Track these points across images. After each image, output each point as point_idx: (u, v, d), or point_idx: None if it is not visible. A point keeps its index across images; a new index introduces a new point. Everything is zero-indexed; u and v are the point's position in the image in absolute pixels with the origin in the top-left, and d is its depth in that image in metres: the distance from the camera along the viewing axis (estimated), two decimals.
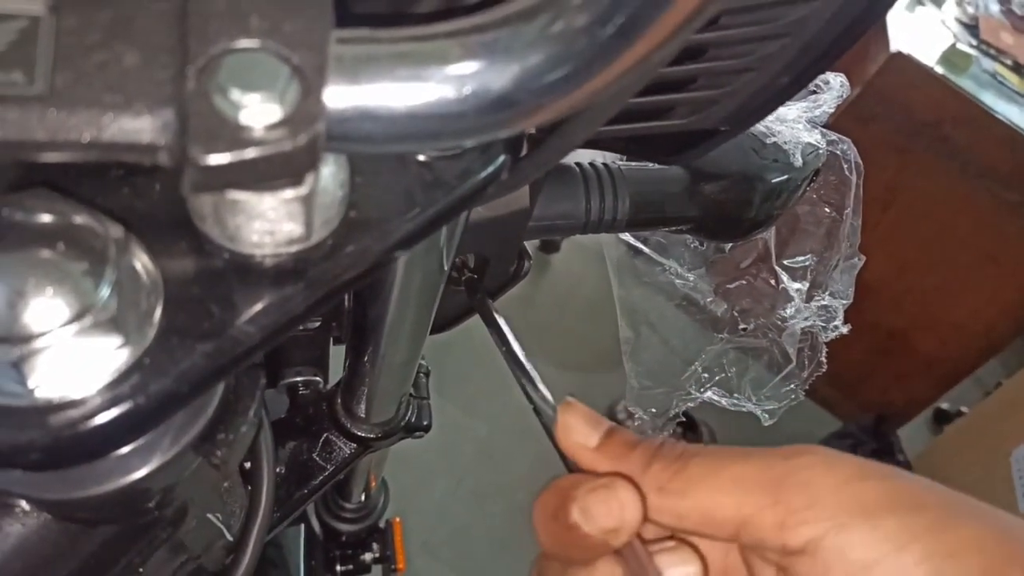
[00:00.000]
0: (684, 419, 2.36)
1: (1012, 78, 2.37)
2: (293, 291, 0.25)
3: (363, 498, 0.76)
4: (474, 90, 0.21)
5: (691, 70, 0.35)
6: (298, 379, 0.57)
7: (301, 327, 0.41)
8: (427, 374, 0.60)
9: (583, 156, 0.49)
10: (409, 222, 0.28)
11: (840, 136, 0.51)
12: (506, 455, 2.18)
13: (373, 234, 0.27)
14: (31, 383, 0.22)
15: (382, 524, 0.81)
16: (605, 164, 0.48)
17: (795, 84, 0.35)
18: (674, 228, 0.50)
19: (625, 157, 0.49)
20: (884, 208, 2.33)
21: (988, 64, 2.37)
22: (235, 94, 0.19)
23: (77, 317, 0.21)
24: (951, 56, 2.24)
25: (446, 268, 0.40)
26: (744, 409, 0.63)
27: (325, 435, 0.54)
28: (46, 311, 0.21)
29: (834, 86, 0.50)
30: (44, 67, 0.19)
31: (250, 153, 0.19)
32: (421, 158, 0.29)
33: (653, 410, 0.72)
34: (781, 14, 0.32)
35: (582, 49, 0.21)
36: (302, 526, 0.80)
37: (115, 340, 0.22)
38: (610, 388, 2.23)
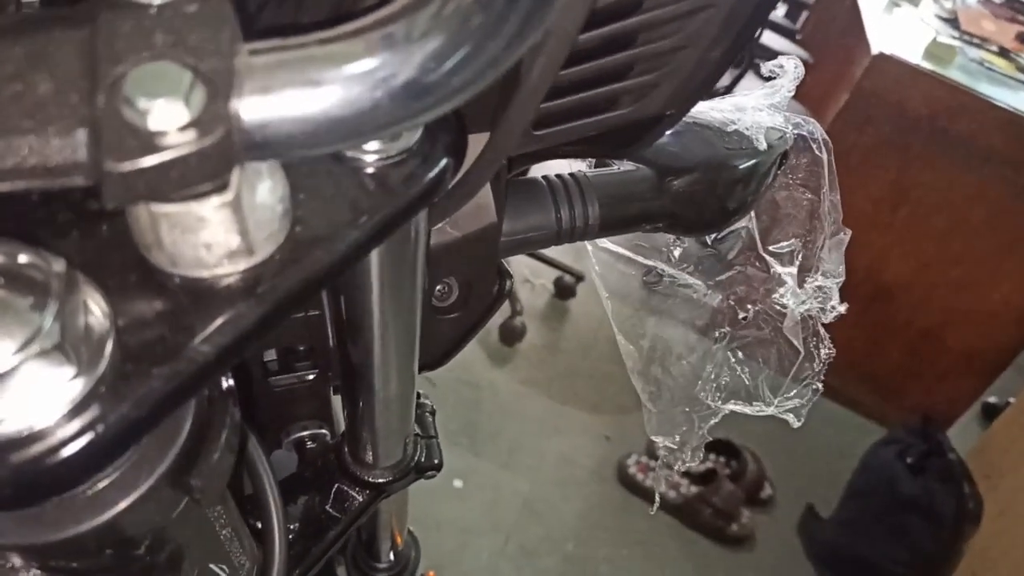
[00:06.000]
0: (724, 445, 2.32)
1: (1000, 63, 2.38)
2: (245, 308, 0.26)
3: (392, 556, 0.75)
4: (383, 82, 0.22)
5: (627, 56, 0.35)
6: (304, 434, 0.57)
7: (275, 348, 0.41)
8: (432, 413, 0.60)
9: (549, 169, 0.50)
10: (357, 230, 0.28)
11: (805, 117, 0.52)
12: (551, 507, 2.15)
13: (321, 246, 0.27)
14: None
15: None
16: (571, 173, 0.49)
17: (727, 56, 0.35)
18: (650, 228, 0.50)
19: (593, 164, 0.49)
20: (894, 208, 2.32)
21: (974, 53, 2.38)
22: (142, 103, 0.20)
23: (22, 348, 0.21)
24: (934, 50, 2.25)
25: (419, 293, 0.40)
26: (767, 414, 0.62)
27: (336, 485, 0.54)
28: None
29: (789, 69, 0.51)
30: None
31: (162, 156, 0.20)
32: (369, 170, 0.29)
33: (677, 437, 0.70)
34: None
35: (477, 26, 0.22)
36: None
37: (67, 371, 0.23)
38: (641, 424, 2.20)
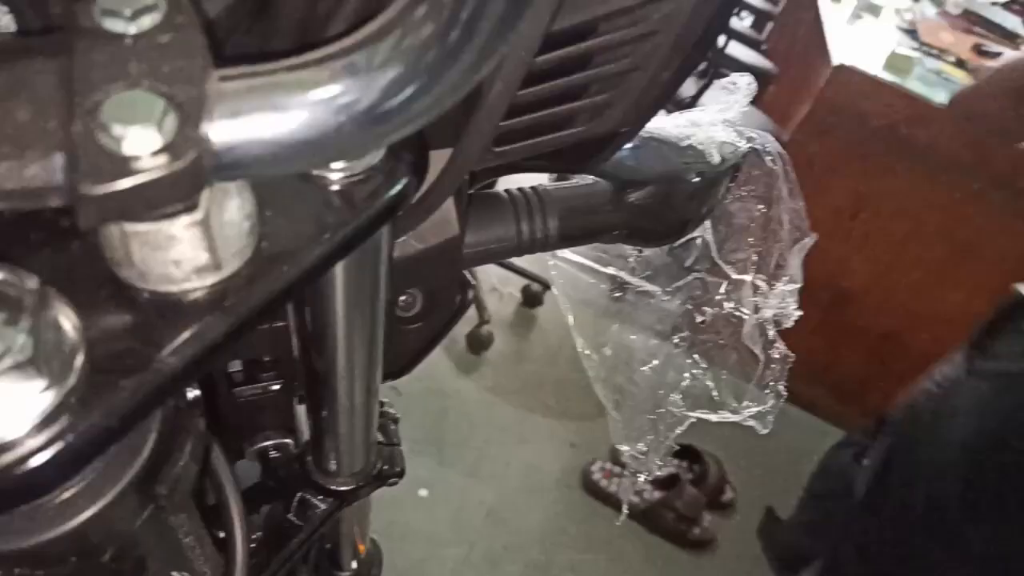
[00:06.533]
0: (686, 450, 2.34)
1: (956, 73, 2.44)
2: (212, 321, 0.26)
3: (355, 565, 0.76)
4: (345, 108, 0.23)
5: (582, 77, 0.37)
6: (267, 443, 0.57)
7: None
8: (396, 421, 0.60)
9: (511, 183, 0.51)
10: (321, 246, 0.29)
11: (759, 132, 0.53)
12: (516, 515, 2.16)
13: (287, 260, 0.28)
14: None
15: None
16: (532, 187, 0.50)
17: (677, 77, 0.37)
18: (608, 238, 0.52)
19: (553, 177, 0.51)
20: (853, 215, 2.37)
21: (932, 64, 2.44)
22: (116, 129, 0.21)
23: None
24: (894, 61, 2.31)
25: (382, 303, 0.41)
26: (732, 420, 0.64)
27: (299, 494, 0.55)
28: None
29: (741, 86, 0.53)
30: None
31: (135, 180, 0.21)
32: (334, 187, 0.31)
33: (642, 445, 0.72)
34: (650, 12, 0.34)
35: (434, 56, 0.23)
36: None
37: (38, 384, 0.23)
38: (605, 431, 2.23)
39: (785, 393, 0.64)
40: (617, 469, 2.28)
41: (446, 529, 2.08)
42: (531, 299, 2.76)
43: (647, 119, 0.40)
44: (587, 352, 0.62)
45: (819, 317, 2.46)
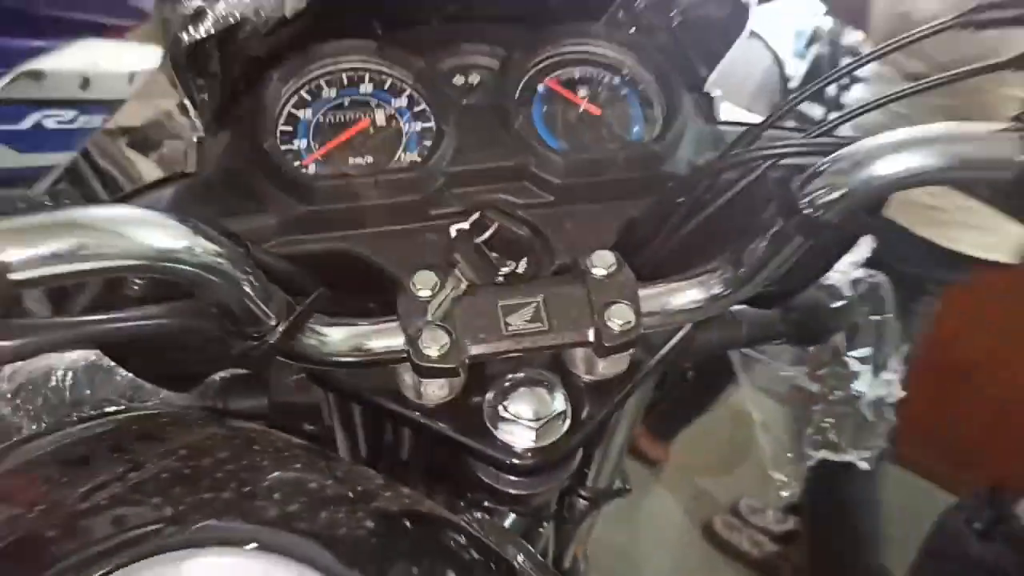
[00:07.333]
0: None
1: None
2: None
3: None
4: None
5: None
6: None
7: None
8: None
9: None
10: None
11: (875, 272, 0.82)
12: (645, 558, 2.40)
13: None
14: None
15: None
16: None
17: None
18: (777, 341, 0.81)
19: None
20: (967, 290, 2.54)
21: None
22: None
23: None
24: None
25: None
26: (847, 459, 0.92)
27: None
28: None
29: (864, 244, 0.81)
30: None
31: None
32: None
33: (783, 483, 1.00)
34: None
35: None
36: None
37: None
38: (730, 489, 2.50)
39: (885, 444, 0.92)
40: (738, 523, 2.50)
41: None
42: None
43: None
44: (755, 411, 0.91)
45: (932, 386, 2.62)
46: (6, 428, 0.67)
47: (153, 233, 0.42)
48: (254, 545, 0.39)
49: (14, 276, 0.36)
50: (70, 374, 0.71)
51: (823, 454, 0.92)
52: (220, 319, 0.48)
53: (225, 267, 0.45)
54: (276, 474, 0.47)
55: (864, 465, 0.91)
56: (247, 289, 0.46)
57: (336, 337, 0.53)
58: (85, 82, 1.56)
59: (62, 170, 1.62)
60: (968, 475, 2.72)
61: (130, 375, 0.69)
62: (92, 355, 0.73)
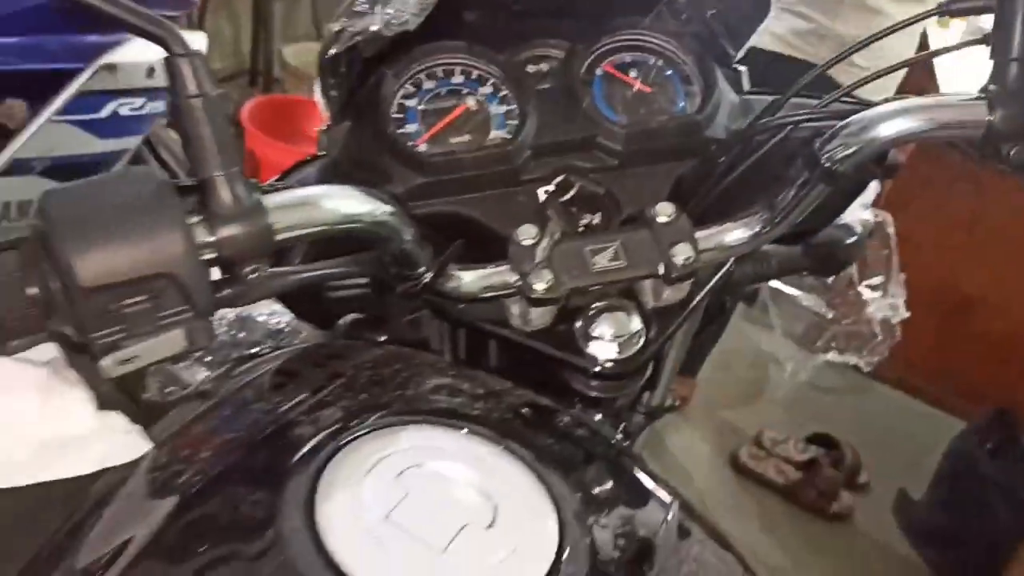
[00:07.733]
0: (824, 439, 2.71)
1: None
2: None
3: None
4: None
5: None
6: None
7: None
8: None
9: None
10: None
11: (880, 211, 0.97)
12: None
13: None
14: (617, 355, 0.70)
15: None
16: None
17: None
18: (801, 274, 0.96)
19: None
20: (969, 230, 2.68)
21: None
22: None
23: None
24: None
25: None
26: (852, 362, 1.08)
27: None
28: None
29: (871, 188, 0.96)
30: None
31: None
32: None
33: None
34: None
35: None
36: None
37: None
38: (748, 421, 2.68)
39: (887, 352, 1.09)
40: (762, 453, 2.68)
41: None
42: None
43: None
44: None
45: (939, 321, 2.78)
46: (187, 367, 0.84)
47: (363, 202, 0.59)
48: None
49: (278, 236, 0.52)
50: (224, 323, 0.87)
51: (831, 356, 1.08)
52: (389, 266, 0.65)
53: (402, 225, 0.61)
54: (434, 379, 0.64)
55: (864, 367, 1.07)
56: (412, 241, 0.63)
57: (468, 279, 0.69)
58: (150, 71, 1.70)
59: (132, 153, 1.80)
60: (976, 404, 2.88)
61: (270, 323, 0.87)
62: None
